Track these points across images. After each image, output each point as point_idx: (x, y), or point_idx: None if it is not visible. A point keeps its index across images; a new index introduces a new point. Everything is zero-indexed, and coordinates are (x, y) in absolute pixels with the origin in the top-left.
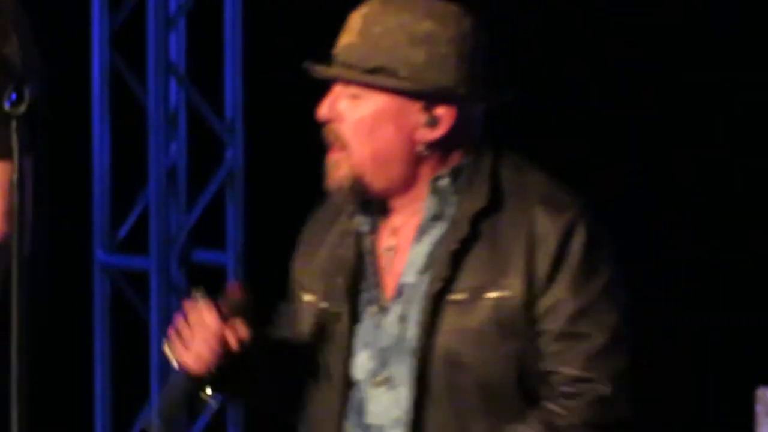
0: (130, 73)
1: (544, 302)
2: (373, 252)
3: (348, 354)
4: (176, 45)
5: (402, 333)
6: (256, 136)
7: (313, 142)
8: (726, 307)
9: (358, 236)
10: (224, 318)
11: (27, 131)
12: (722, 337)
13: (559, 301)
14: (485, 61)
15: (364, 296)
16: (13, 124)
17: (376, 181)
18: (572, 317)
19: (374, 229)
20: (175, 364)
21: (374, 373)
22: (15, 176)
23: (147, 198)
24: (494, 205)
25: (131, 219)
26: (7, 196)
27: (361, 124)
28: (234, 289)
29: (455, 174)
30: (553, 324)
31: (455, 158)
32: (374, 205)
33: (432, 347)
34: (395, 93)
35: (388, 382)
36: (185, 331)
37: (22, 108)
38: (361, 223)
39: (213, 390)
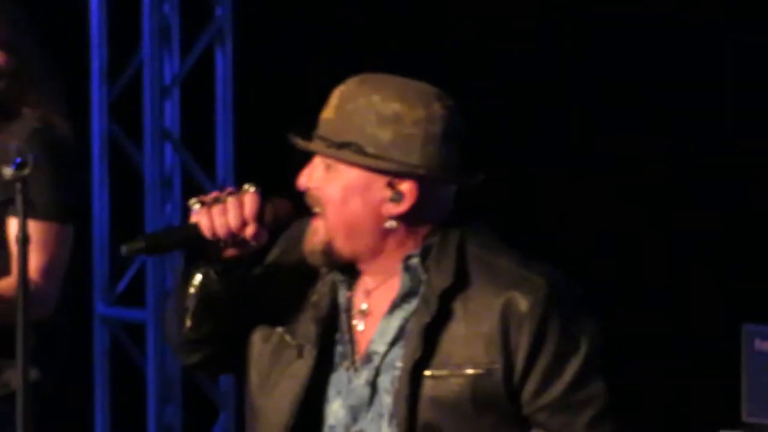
0: (128, 139)
1: (533, 381)
2: (349, 310)
3: (311, 395)
4: (171, 112)
5: (371, 397)
6: None
7: (301, 205)
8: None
9: (333, 287)
10: (259, 217)
11: (71, 200)
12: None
13: (547, 378)
14: (453, 143)
15: (339, 348)
16: (18, 186)
17: (345, 248)
18: (565, 391)
19: (350, 287)
20: (192, 216)
21: (347, 426)
22: (20, 234)
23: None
24: (461, 282)
25: (129, 274)
26: (49, 255)
27: (333, 196)
28: (286, 203)
29: (425, 252)
30: (547, 400)
31: (422, 233)
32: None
33: (411, 418)
34: (361, 168)
35: None
36: (221, 200)
37: (26, 171)
38: (339, 279)
39: (197, 261)
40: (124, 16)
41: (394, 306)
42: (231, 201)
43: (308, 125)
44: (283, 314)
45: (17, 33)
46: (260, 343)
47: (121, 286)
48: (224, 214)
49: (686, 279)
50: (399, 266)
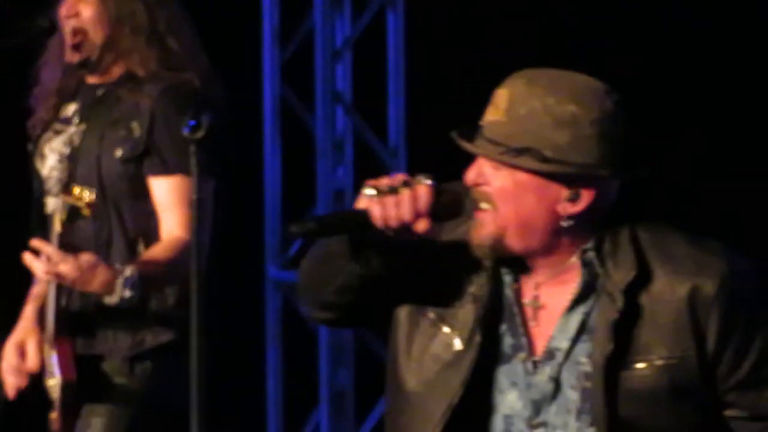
0: (299, 102)
1: (724, 363)
2: (517, 303)
3: (474, 384)
4: (342, 75)
5: (554, 392)
6: (419, 159)
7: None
8: None
9: (495, 277)
10: (432, 207)
11: (209, 155)
12: None
13: (737, 359)
14: (625, 138)
15: (508, 340)
16: (192, 148)
17: (517, 244)
18: (752, 369)
19: (517, 279)
20: (362, 200)
21: (529, 418)
22: (195, 197)
23: None
24: (643, 273)
25: (300, 238)
26: (187, 208)
27: (505, 191)
28: (456, 193)
29: (598, 245)
30: (737, 380)
31: (593, 227)
32: (515, 258)
33: (610, 414)
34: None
35: (544, 426)
36: (395, 189)
37: (200, 134)
38: (505, 271)
39: (362, 245)
40: None
41: (576, 302)
42: (406, 193)
43: (471, 122)
44: (435, 299)
45: None
46: (408, 324)
47: (293, 249)
48: (398, 207)
49: None
50: (571, 260)
